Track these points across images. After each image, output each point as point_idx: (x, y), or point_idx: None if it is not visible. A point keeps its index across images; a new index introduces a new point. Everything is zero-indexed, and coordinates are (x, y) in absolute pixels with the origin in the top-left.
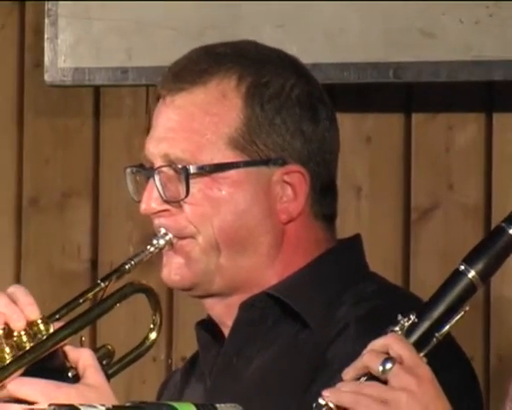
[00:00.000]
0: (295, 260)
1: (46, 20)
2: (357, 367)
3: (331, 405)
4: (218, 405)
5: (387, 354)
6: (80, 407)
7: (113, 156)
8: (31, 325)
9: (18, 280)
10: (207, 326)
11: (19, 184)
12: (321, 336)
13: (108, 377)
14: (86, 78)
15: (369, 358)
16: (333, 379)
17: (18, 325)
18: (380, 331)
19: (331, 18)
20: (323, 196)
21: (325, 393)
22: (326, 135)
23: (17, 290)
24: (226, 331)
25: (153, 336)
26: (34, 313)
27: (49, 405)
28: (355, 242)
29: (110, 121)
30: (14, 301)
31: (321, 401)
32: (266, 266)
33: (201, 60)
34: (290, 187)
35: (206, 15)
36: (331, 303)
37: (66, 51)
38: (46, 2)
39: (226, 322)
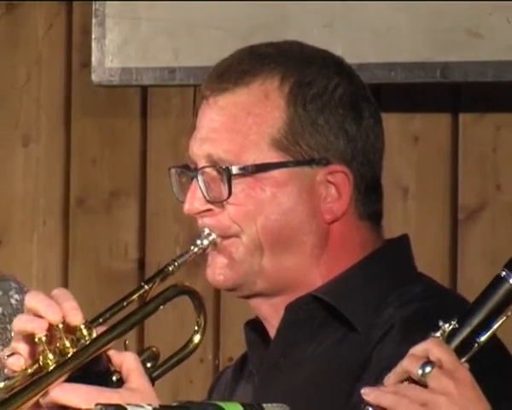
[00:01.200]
0: (341, 261)
1: (94, 21)
2: (398, 372)
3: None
4: (264, 405)
5: (427, 358)
6: (127, 406)
7: (160, 156)
8: (74, 330)
9: (65, 280)
10: (255, 326)
11: (66, 184)
12: (367, 339)
13: (153, 379)
14: (133, 78)
15: (409, 362)
16: (377, 381)
17: (54, 319)
18: (425, 334)
19: (378, 18)
20: (368, 196)
21: (365, 393)
22: (370, 134)
23: (61, 294)
24: (272, 331)
25: (197, 338)
26: (77, 318)
27: (96, 405)
28: (402, 242)
29: (157, 121)
30: (58, 303)
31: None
32: (311, 267)
33: (245, 60)
34: (334, 187)
35: (254, 15)
36: (378, 305)
37: (114, 51)
38: (93, 3)
39: (272, 322)
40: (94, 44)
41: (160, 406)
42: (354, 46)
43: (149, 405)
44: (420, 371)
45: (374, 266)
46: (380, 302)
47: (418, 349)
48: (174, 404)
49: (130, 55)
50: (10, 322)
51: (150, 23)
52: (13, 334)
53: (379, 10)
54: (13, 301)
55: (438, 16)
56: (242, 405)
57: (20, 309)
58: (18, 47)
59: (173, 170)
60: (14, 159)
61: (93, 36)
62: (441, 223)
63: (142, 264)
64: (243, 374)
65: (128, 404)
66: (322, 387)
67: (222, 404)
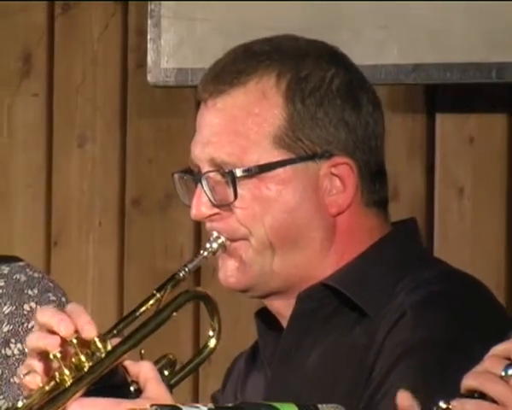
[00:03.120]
0: (349, 250)
1: (149, 21)
2: (479, 373)
3: (450, 407)
4: (319, 405)
5: (510, 359)
6: (182, 406)
7: None
8: (88, 343)
9: (121, 281)
10: (266, 315)
11: (122, 185)
12: (379, 325)
13: (171, 387)
14: (189, 78)
15: (491, 363)
16: (392, 368)
17: (67, 333)
18: (436, 317)
19: (434, 18)
20: (373, 183)
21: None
22: (370, 121)
23: (74, 309)
24: (284, 323)
25: (212, 342)
26: (92, 332)
27: (151, 405)
28: (410, 226)
29: None
30: (70, 318)
31: (442, 405)
32: (321, 260)
33: (239, 59)
34: (338, 179)
35: (308, 16)
36: (389, 291)
37: (169, 52)
38: (149, 3)
39: (285, 314)
40: (149, 45)
41: (216, 406)
42: (410, 47)
43: (205, 405)
44: (502, 373)
45: (383, 252)
46: (391, 287)
47: (500, 349)
48: (228, 405)
49: (186, 55)
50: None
51: (205, 23)
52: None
53: (434, 11)
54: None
55: (494, 16)
56: (298, 405)
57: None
58: (74, 48)
59: (176, 175)
60: (70, 159)
61: (148, 36)
62: (497, 223)
63: None
64: (255, 363)
65: (183, 404)
66: (335, 373)
67: (277, 405)
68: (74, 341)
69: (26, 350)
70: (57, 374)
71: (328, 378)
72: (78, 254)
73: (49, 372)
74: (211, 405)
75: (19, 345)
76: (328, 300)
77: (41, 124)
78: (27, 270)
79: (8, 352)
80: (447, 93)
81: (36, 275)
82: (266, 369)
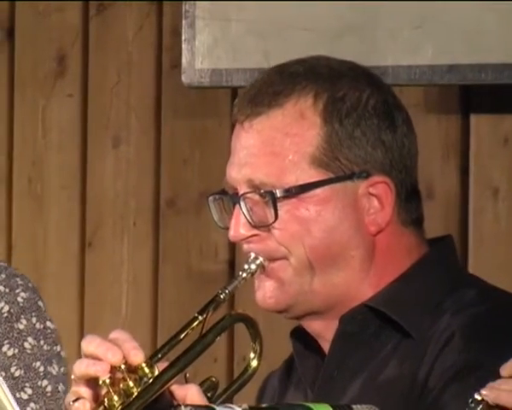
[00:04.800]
0: (389, 270)
1: (183, 22)
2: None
3: (489, 401)
4: (354, 405)
5: None
6: (216, 407)
7: None
8: (136, 369)
9: (155, 282)
10: (302, 335)
11: (156, 185)
12: (424, 347)
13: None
14: (223, 79)
15: None
16: (442, 393)
17: (116, 361)
18: (485, 339)
19: (469, 18)
20: (409, 202)
21: (484, 391)
22: (405, 141)
23: (119, 336)
24: (324, 345)
25: (254, 363)
26: (139, 357)
27: (186, 405)
28: (448, 244)
29: None
30: (117, 345)
31: (477, 397)
32: (360, 280)
33: (275, 81)
34: (376, 198)
35: (344, 16)
36: (432, 311)
37: (204, 53)
38: (183, 4)
39: (325, 337)
40: (184, 46)
41: (250, 407)
42: (444, 47)
43: (239, 406)
44: None
45: (425, 272)
46: (433, 308)
47: None
48: (263, 405)
49: (220, 56)
50: (17, 320)
51: (240, 24)
52: (18, 333)
53: (470, 11)
54: (19, 299)
55: None
56: (332, 406)
57: (26, 307)
58: (108, 48)
59: (211, 197)
60: (105, 160)
61: (183, 37)
62: None
63: (232, 265)
64: (291, 380)
65: (217, 404)
66: (380, 398)
67: (311, 405)
68: (123, 366)
69: None
70: (106, 400)
71: (371, 400)
72: (112, 255)
73: (97, 398)
74: (245, 405)
75: None
76: (371, 321)
77: (76, 125)
78: None
79: None
80: (482, 94)
81: (2, 264)
82: (307, 390)
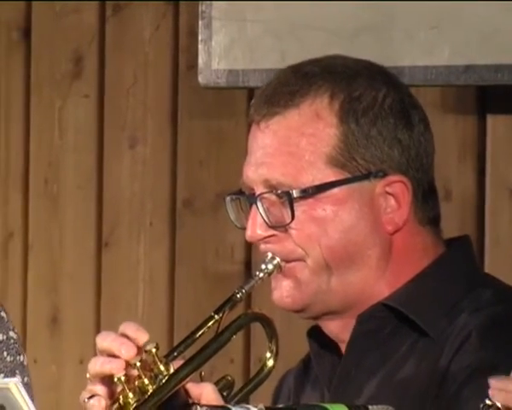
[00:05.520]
0: (406, 269)
1: (200, 23)
2: None
3: (498, 405)
4: (370, 406)
5: None
6: (231, 407)
7: None
8: (151, 367)
9: (172, 282)
10: (318, 334)
11: (173, 185)
12: (441, 346)
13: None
14: (240, 80)
15: None
16: (459, 392)
17: (130, 356)
18: (501, 339)
19: (486, 19)
20: (426, 201)
21: (492, 392)
22: (421, 140)
23: (128, 326)
24: (341, 344)
25: (270, 363)
26: (143, 337)
27: (201, 406)
28: (465, 244)
29: None
30: (125, 335)
31: (488, 402)
32: (377, 279)
33: (291, 81)
34: (393, 197)
35: (360, 16)
36: (449, 311)
37: (220, 53)
38: (200, 4)
39: (342, 337)
40: (200, 46)
41: (266, 407)
42: (461, 48)
43: (255, 406)
44: None
45: (442, 271)
46: (450, 307)
47: None
48: (280, 405)
49: (237, 56)
50: None
51: (256, 24)
52: None
53: (486, 11)
54: None
55: None
56: (348, 406)
57: None
58: (125, 49)
59: (228, 197)
60: (121, 160)
61: (199, 38)
62: None
63: (248, 265)
64: (308, 380)
65: (233, 404)
66: (398, 397)
67: (327, 405)
68: (138, 364)
69: None
70: (121, 397)
71: (388, 398)
72: (129, 255)
73: (112, 396)
74: (261, 405)
75: None
76: (388, 320)
77: (92, 125)
78: None
79: None
80: (499, 94)
81: None
82: (324, 389)
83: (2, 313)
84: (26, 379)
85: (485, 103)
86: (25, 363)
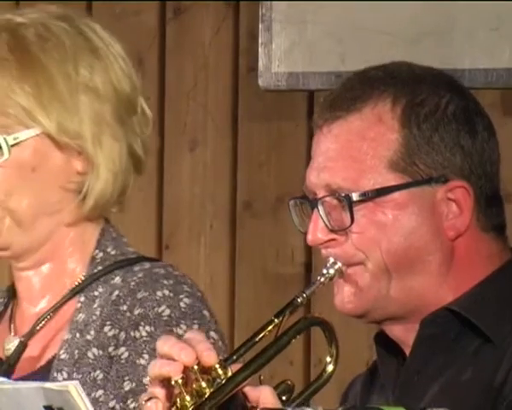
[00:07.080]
0: (469, 275)
1: (260, 26)
2: None
3: None
4: (428, 409)
5: None
6: (287, 408)
7: None
8: (209, 370)
9: (232, 284)
10: (385, 339)
11: (233, 188)
12: (503, 353)
13: None
14: (300, 82)
15: None
16: None
17: (189, 361)
18: None
19: None
20: (489, 208)
21: None
22: (485, 147)
23: (193, 336)
24: (406, 349)
25: (330, 367)
26: (212, 358)
27: (262, 409)
28: None
29: None
30: (191, 346)
31: None
32: (439, 284)
33: (354, 86)
34: (455, 203)
35: (421, 19)
36: None
37: (280, 56)
38: (260, 7)
39: (407, 342)
40: (261, 49)
41: (325, 409)
42: None
43: (314, 408)
44: None
45: (507, 278)
46: None
47: None
48: (339, 408)
49: (297, 59)
50: (177, 325)
51: (316, 27)
52: (178, 338)
53: None
54: (182, 305)
55: None
56: (406, 408)
57: (188, 314)
58: (185, 52)
59: (292, 202)
60: (182, 163)
61: (260, 41)
62: None
63: (309, 268)
64: (374, 386)
65: (292, 407)
66: (459, 403)
67: (386, 408)
68: (195, 367)
69: (154, 335)
70: (178, 400)
71: (450, 403)
72: (189, 258)
73: (170, 399)
74: (320, 408)
75: (147, 327)
76: (452, 325)
77: (152, 128)
78: (168, 268)
79: (137, 334)
80: None
81: (176, 273)
82: (388, 394)
83: (205, 312)
84: None
85: None
86: None
